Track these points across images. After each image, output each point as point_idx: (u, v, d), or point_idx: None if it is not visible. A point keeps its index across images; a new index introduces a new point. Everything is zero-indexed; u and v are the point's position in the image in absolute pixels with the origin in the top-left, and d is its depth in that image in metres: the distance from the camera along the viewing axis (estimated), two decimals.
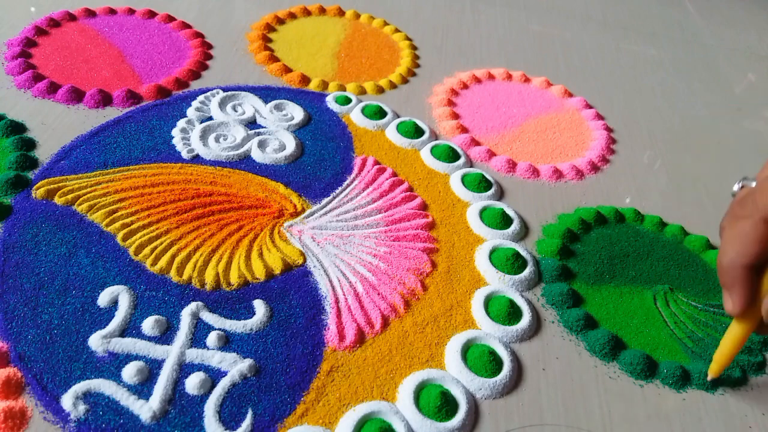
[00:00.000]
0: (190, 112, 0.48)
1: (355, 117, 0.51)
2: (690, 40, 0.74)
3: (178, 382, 0.31)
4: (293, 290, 0.36)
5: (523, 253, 0.41)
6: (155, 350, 0.32)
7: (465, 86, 0.58)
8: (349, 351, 0.34)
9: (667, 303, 0.40)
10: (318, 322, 0.35)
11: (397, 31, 0.64)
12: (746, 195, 0.31)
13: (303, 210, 0.42)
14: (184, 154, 0.44)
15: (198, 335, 0.33)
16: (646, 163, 0.53)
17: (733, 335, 0.32)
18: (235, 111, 0.49)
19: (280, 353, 0.33)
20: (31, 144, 0.42)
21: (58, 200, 0.38)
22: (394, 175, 0.46)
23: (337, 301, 0.36)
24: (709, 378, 0.34)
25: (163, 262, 0.36)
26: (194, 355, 0.32)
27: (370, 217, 0.42)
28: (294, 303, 0.36)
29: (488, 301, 0.37)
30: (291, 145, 0.46)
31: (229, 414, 0.30)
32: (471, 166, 0.49)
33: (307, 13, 0.64)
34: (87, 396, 0.29)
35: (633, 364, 0.35)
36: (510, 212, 0.44)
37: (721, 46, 0.74)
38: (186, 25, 0.58)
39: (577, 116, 0.57)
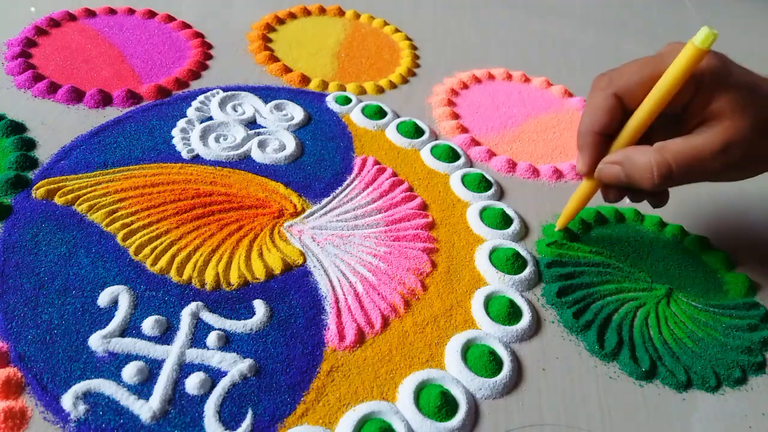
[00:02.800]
0: (190, 112, 0.48)
1: (355, 117, 0.51)
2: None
3: (178, 382, 0.31)
4: (293, 290, 0.36)
5: (523, 253, 0.41)
6: (155, 350, 0.32)
7: (465, 86, 0.58)
8: (349, 351, 0.34)
9: (667, 303, 0.40)
10: (318, 322, 0.35)
11: (397, 31, 0.64)
12: (606, 72, 0.36)
13: (303, 210, 0.42)
14: (184, 154, 0.44)
15: (198, 335, 0.33)
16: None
17: (580, 192, 0.39)
18: (235, 111, 0.49)
19: (280, 353, 0.33)
20: (31, 144, 0.42)
21: (58, 200, 0.38)
22: (394, 175, 0.46)
23: (337, 301, 0.36)
24: (556, 229, 0.41)
25: (163, 262, 0.36)
26: (194, 355, 0.32)
27: (370, 217, 0.42)
28: (294, 303, 0.36)
29: (488, 301, 0.37)
30: (291, 145, 0.46)
31: (229, 414, 0.30)
32: (471, 166, 0.49)
33: (307, 13, 0.64)
34: (87, 396, 0.29)
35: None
36: (510, 212, 0.44)
37: (721, 46, 0.74)
38: (186, 25, 0.58)
39: (577, 116, 0.57)
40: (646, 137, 0.35)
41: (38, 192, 0.39)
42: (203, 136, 0.45)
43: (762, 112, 0.33)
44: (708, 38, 0.31)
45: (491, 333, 0.36)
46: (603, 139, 0.36)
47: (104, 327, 0.32)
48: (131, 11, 0.58)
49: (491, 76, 0.60)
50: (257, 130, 0.47)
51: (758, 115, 0.33)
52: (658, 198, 0.38)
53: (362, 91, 0.54)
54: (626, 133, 0.35)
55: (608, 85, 0.35)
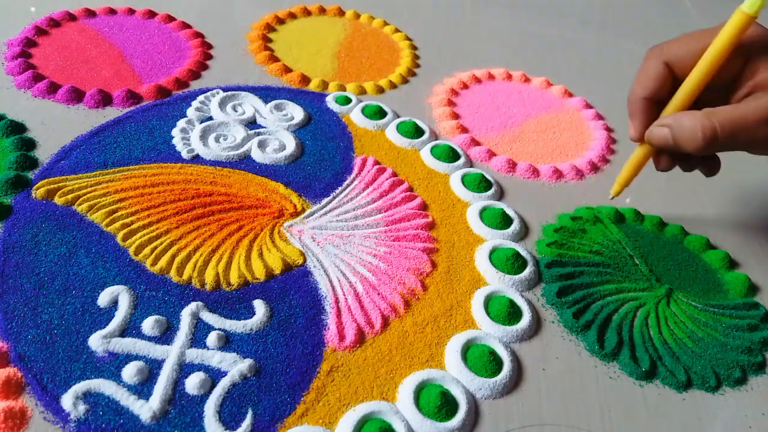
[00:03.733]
0: (190, 112, 0.48)
1: (355, 117, 0.51)
2: None
3: (178, 382, 0.31)
4: (293, 290, 0.36)
5: (523, 253, 0.41)
6: (155, 350, 0.32)
7: (465, 86, 0.58)
8: (349, 351, 0.34)
9: (667, 303, 0.40)
10: (318, 322, 0.35)
11: (397, 31, 0.64)
12: (659, 44, 0.38)
13: (303, 210, 0.42)
14: (184, 154, 0.44)
15: (198, 335, 0.33)
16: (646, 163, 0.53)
17: (633, 159, 0.40)
18: (235, 111, 0.49)
19: (280, 353, 0.33)
20: (31, 144, 0.42)
21: (58, 200, 0.38)
22: (394, 175, 0.46)
23: (337, 301, 0.36)
24: (611, 197, 0.42)
25: (163, 262, 0.36)
26: (194, 355, 0.32)
27: (370, 217, 0.42)
28: (294, 303, 0.36)
29: (488, 301, 0.37)
30: (291, 145, 0.46)
31: (229, 414, 0.30)
32: (471, 166, 0.49)
33: (307, 13, 0.64)
34: (87, 396, 0.29)
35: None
36: (510, 212, 0.44)
37: None
38: (186, 25, 0.58)
39: (577, 116, 0.57)
40: (697, 107, 0.36)
41: (38, 192, 0.39)
42: (203, 136, 0.45)
43: None
44: (755, 3, 0.32)
45: (491, 333, 0.36)
46: (653, 106, 0.37)
47: (104, 327, 0.32)
48: (131, 11, 0.58)
49: (491, 76, 0.60)
50: (257, 130, 0.47)
51: None
52: (709, 167, 0.39)
53: (362, 91, 0.54)
54: (676, 100, 0.36)
55: (660, 53, 0.37)
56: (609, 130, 0.56)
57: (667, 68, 0.36)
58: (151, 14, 0.59)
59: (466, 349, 0.35)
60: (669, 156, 0.39)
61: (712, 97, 0.36)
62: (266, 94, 0.51)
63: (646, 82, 0.37)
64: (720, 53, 0.34)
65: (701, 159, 0.39)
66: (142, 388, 0.30)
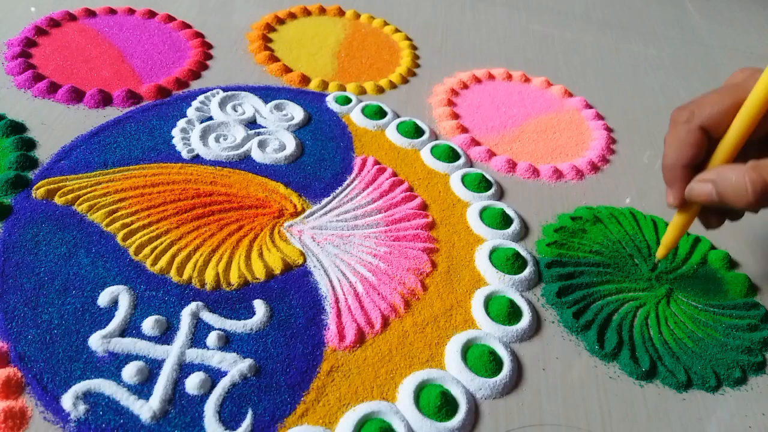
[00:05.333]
0: (190, 112, 0.48)
1: (355, 117, 0.51)
2: (690, 40, 0.74)
3: (178, 382, 0.31)
4: (293, 290, 0.36)
5: (523, 253, 0.41)
6: (155, 350, 0.32)
7: (465, 86, 0.58)
8: (349, 351, 0.34)
9: (667, 303, 0.40)
10: (318, 322, 0.35)
11: (397, 31, 0.64)
12: (685, 105, 0.35)
13: (303, 210, 0.42)
14: (184, 154, 0.44)
15: (198, 335, 0.33)
16: (646, 163, 0.53)
17: (676, 224, 0.38)
18: (235, 111, 0.49)
19: (280, 353, 0.33)
20: (31, 144, 0.42)
21: (58, 200, 0.38)
22: (394, 175, 0.46)
23: (337, 301, 0.36)
24: (656, 260, 0.39)
25: (163, 262, 0.36)
26: (194, 355, 0.32)
27: (370, 217, 0.42)
28: (294, 303, 0.36)
29: (488, 301, 0.37)
30: (291, 145, 0.46)
31: (229, 414, 0.30)
32: (471, 166, 0.49)
33: (307, 13, 0.64)
34: (87, 396, 0.29)
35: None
36: (510, 212, 0.44)
37: (721, 46, 0.74)
38: (186, 25, 0.58)
39: (577, 116, 0.57)
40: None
41: (38, 192, 0.39)
42: (203, 136, 0.45)
43: None
44: None
45: (491, 333, 0.36)
46: (691, 172, 0.35)
47: (104, 327, 0.32)
48: (131, 11, 0.58)
49: (491, 76, 0.60)
50: (257, 130, 0.47)
51: None
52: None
53: (362, 91, 0.54)
54: (717, 160, 0.34)
55: (691, 118, 0.35)
56: (609, 130, 0.56)
57: (702, 132, 0.34)
58: (151, 14, 0.59)
59: (466, 349, 0.35)
60: (716, 214, 0.36)
61: (748, 151, 0.34)
62: (266, 94, 0.51)
63: (682, 149, 0.35)
64: (759, 107, 0.32)
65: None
66: (142, 388, 0.30)
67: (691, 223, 0.37)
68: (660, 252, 0.38)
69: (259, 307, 0.35)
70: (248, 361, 0.32)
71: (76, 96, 0.47)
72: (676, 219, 0.37)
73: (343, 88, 0.54)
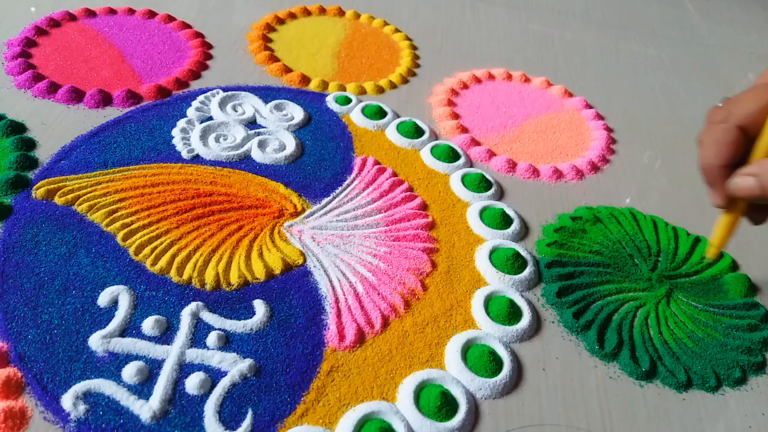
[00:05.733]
0: (190, 112, 0.48)
1: (355, 117, 0.51)
2: (690, 40, 0.74)
3: (178, 382, 0.31)
4: (293, 290, 0.36)
5: (523, 253, 0.41)
6: (155, 350, 0.32)
7: (465, 86, 0.58)
8: (349, 351, 0.34)
9: (667, 303, 0.40)
10: (318, 322, 0.35)
11: (397, 31, 0.64)
12: (721, 105, 0.35)
13: (303, 210, 0.42)
14: (184, 154, 0.44)
15: (198, 335, 0.33)
16: (646, 163, 0.53)
17: (725, 223, 0.36)
18: (235, 111, 0.49)
19: (280, 353, 0.33)
20: (31, 144, 0.42)
21: (58, 200, 0.38)
22: (394, 175, 0.46)
23: (337, 301, 0.36)
24: (708, 258, 0.38)
25: (163, 262, 0.36)
26: (194, 355, 0.32)
27: (370, 217, 0.42)
28: (294, 303, 0.36)
29: (488, 301, 0.37)
30: (291, 145, 0.46)
31: (229, 414, 0.30)
32: (471, 166, 0.49)
33: (307, 13, 0.64)
34: (87, 396, 0.29)
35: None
36: (510, 212, 0.44)
37: (721, 46, 0.74)
38: (186, 25, 0.58)
39: (577, 116, 0.57)
40: None
41: (38, 192, 0.39)
42: (203, 136, 0.45)
43: None
44: None
45: (491, 333, 0.36)
46: (730, 172, 0.35)
47: (104, 327, 0.32)
48: (131, 11, 0.58)
49: (491, 76, 0.60)
50: (257, 130, 0.47)
51: None
52: None
53: (362, 91, 0.54)
54: (758, 155, 0.34)
55: (727, 117, 0.35)
56: (609, 130, 0.56)
57: (739, 131, 0.34)
58: (151, 14, 0.59)
59: (466, 349, 0.35)
60: (761, 210, 0.36)
61: None
62: (266, 94, 0.51)
63: (720, 149, 0.35)
64: None
65: None
66: (142, 388, 0.30)
67: (739, 221, 0.36)
68: (711, 252, 0.37)
69: (259, 307, 0.35)
70: (248, 361, 0.32)
71: (76, 96, 0.47)
72: (724, 218, 0.37)
73: (343, 88, 0.54)
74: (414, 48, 0.62)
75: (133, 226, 0.38)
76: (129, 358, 0.31)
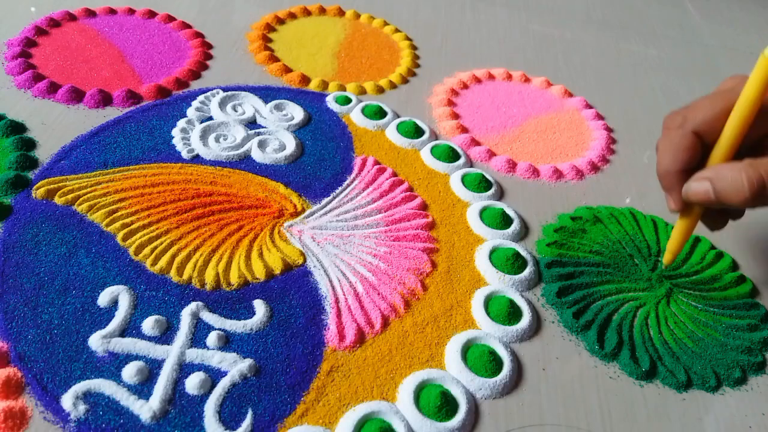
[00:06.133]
0: (190, 112, 0.48)
1: (355, 117, 0.51)
2: (690, 40, 0.74)
3: (178, 382, 0.31)
4: (293, 290, 0.36)
5: (523, 253, 0.41)
6: (155, 350, 0.32)
7: (465, 86, 0.58)
8: (349, 351, 0.34)
9: (667, 303, 0.40)
10: (318, 322, 0.35)
11: (397, 31, 0.64)
12: (677, 110, 0.36)
13: (303, 210, 0.42)
14: (184, 154, 0.44)
15: (198, 335, 0.33)
16: (646, 163, 0.53)
17: (680, 229, 0.37)
18: (235, 111, 0.49)
19: (280, 353, 0.33)
20: (31, 144, 0.42)
21: (58, 200, 0.38)
22: (394, 175, 0.46)
23: (337, 301, 0.36)
24: (664, 266, 0.40)
25: (163, 262, 0.36)
26: (194, 355, 0.32)
27: (370, 217, 0.42)
28: (294, 303, 0.36)
29: (488, 301, 0.37)
30: (291, 145, 0.46)
31: (229, 414, 0.30)
32: (471, 166, 0.49)
33: (307, 13, 0.64)
34: (87, 396, 0.29)
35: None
36: (510, 212, 0.44)
37: (721, 46, 0.74)
38: (186, 25, 0.58)
39: (577, 116, 0.57)
40: None
41: (38, 192, 0.39)
42: (203, 136, 0.45)
43: None
44: None
45: (491, 333, 0.36)
46: (686, 177, 0.35)
47: (104, 327, 0.32)
48: (131, 11, 0.58)
49: (491, 76, 0.60)
50: (257, 130, 0.47)
51: None
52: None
53: (362, 91, 0.54)
54: (714, 159, 0.34)
55: (683, 123, 0.35)
56: (609, 130, 0.56)
57: (695, 137, 0.34)
58: (151, 14, 0.59)
59: (466, 349, 0.35)
60: (716, 214, 0.37)
61: (742, 157, 0.34)
62: (266, 94, 0.51)
63: (677, 154, 0.35)
64: (752, 103, 0.32)
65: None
66: (142, 388, 0.30)
67: (695, 227, 0.37)
68: (666, 258, 0.38)
69: (259, 307, 0.35)
70: (248, 361, 0.32)
71: (76, 96, 0.47)
72: (680, 224, 0.37)
73: (343, 88, 0.54)
74: (414, 48, 0.62)
75: (133, 226, 0.38)
76: (129, 358, 0.31)
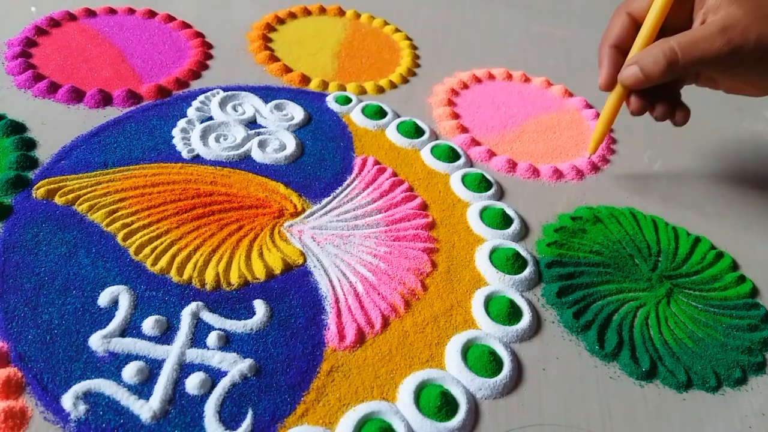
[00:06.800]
0: (191, 112, 0.48)
1: (356, 117, 0.51)
2: None
3: (178, 382, 0.31)
4: (293, 290, 0.36)
5: (523, 253, 0.41)
6: (155, 350, 0.32)
7: (465, 86, 0.58)
8: (349, 351, 0.34)
9: (668, 303, 0.40)
10: (318, 322, 0.35)
11: (397, 31, 0.64)
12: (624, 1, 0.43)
13: (303, 210, 0.42)
14: (185, 154, 0.44)
15: (198, 335, 0.33)
16: (646, 163, 0.53)
17: (605, 109, 0.43)
18: (236, 111, 0.49)
19: (281, 353, 0.33)
20: (31, 144, 0.42)
21: (58, 200, 0.38)
22: (394, 175, 0.46)
23: (337, 301, 0.36)
24: (589, 155, 0.46)
25: (163, 262, 0.36)
26: (194, 355, 0.32)
27: (370, 217, 0.42)
28: (294, 303, 0.36)
29: (488, 301, 0.37)
30: (291, 145, 0.46)
31: (229, 414, 0.30)
32: (471, 166, 0.49)
33: (307, 13, 0.64)
34: (87, 396, 0.29)
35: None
36: (510, 212, 0.44)
37: None
38: (186, 25, 0.58)
39: (577, 116, 0.57)
40: None
41: (38, 192, 0.39)
42: (203, 136, 0.45)
43: (754, 0, 0.38)
44: None
45: (491, 333, 0.36)
46: (620, 54, 0.42)
47: (104, 327, 0.32)
48: (131, 11, 0.58)
49: (491, 76, 0.60)
50: (257, 130, 0.47)
51: (750, 2, 0.37)
52: (679, 115, 0.42)
53: (362, 91, 0.54)
54: (638, 41, 0.41)
55: (624, 7, 0.42)
56: (609, 130, 0.56)
57: (630, 18, 0.41)
58: (151, 14, 0.59)
59: (467, 349, 0.35)
60: (639, 97, 0.42)
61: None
62: (266, 94, 0.51)
63: (612, 31, 0.42)
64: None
65: (670, 105, 0.42)
66: (143, 388, 0.30)
67: (618, 110, 0.43)
68: (591, 147, 0.44)
69: (259, 307, 0.35)
70: (248, 361, 0.32)
71: (77, 96, 0.47)
72: (605, 107, 0.43)
73: (343, 88, 0.54)
74: (414, 48, 0.62)
75: (133, 226, 0.38)
76: (129, 358, 0.31)
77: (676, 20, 0.40)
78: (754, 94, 0.42)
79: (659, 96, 0.42)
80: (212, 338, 0.33)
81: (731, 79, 0.41)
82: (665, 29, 0.41)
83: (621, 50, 0.42)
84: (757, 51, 0.37)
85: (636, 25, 0.41)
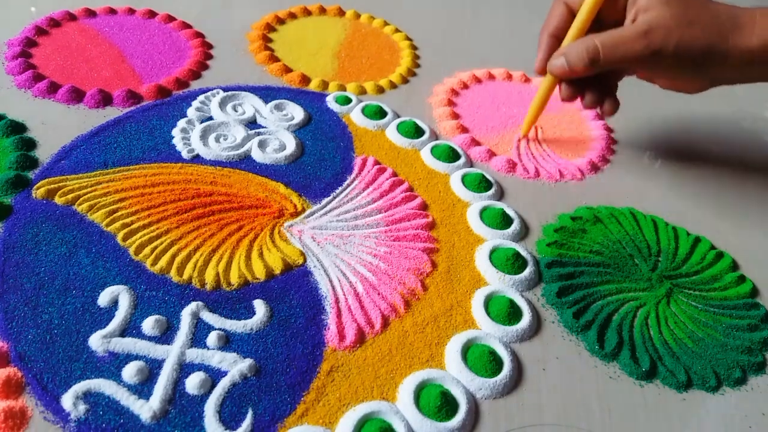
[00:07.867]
0: (191, 112, 0.48)
1: (356, 117, 0.51)
2: None
3: (178, 382, 0.31)
4: (293, 290, 0.36)
5: (523, 253, 0.41)
6: (155, 350, 0.32)
7: (465, 86, 0.58)
8: (349, 351, 0.34)
9: (667, 303, 0.40)
10: (318, 322, 0.35)
11: (397, 31, 0.64)
12: None
13: (303, 210, 0.42)
14: (185, 154, 0.44)
15: (198, 335, 0.33)
16: (646, 163, 0.53)
17: (538, 93, 0.46)
18: (236, 111, 0.49)
19: (280, 353, 0.33)
20: (31, 144, 0.42)
21: (58, 200, 0.38)
22: (394, 175, 0.46)
23: (337, 301, 0.36)
24: (521, 137, 0.48)
25: (163, 262, 0.36)
26: (194, 354, 0.32)
27: (370, 217, 0.42)
28: (294, 303, 0.36)
29: (488, 301, 0.37)
30: (291, 145, 0.46)
31: (229, 414, 0.30)
32: (471, 166, 0.49)
33: (307, 13, 0.64)
34: (87, 396, 0.29)
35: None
36: (510, 212, 0.44)
37: None
38: (186, 25, 0.58)
39: (577, 116, 0.57)
40: None
41: (38, 192, 0.39)
42: (203, 136, 0.45)
43: (684, 4, 0.39)
44: None
45: (491, 333, 0.36)
46: (557, 43, 0.44)
47: (104, 327, 0.32)
48: (131, 11, 0.58)
49: (491, 76, 0.60)
50: (257, 130, 0.47)
51: (680, 5, 0.39)
52: (608, 106, 0.44)
53: (362, 91, 0.54)
54: (571, 32, 0.43)
55: None
56: (609, 130, 0.56)
57: (567, 8, 0.43)
58: (151, 14, 0.59)
59: (466, 349, 0.35)
60: (568, 85, 0.44)
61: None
62: (266, 94, 0.51)
63: (550, 20, 0.44)
64: None
65: (600, 93, 0.44)
66: (143, 388, 0.30)
67: (550, 95, 0.46)
68: (524, 129, 0.48)
69: (259, 307, 0.35)
70: (248, 361, 0.32)
71: (76, 96, 0.47)
72: (538, 92, 0.46)
73: (343, 88, 0.54)
74: (414, 48, 0.62)
75: (133, 226, 0.38)
76: (129, 357, 0.31)
77: (611, 14, 0.42)
78: (687, 91, 0.44)
79: (589, 84, 0.44)
80: (212, 338, 0.33)
81: (662, 76, 0.43)
82: (600, 22, 0.43)
83: (557, 39, 0.44)
84: (675, 55, 0.39)
85: (573, 15, 0.43)
